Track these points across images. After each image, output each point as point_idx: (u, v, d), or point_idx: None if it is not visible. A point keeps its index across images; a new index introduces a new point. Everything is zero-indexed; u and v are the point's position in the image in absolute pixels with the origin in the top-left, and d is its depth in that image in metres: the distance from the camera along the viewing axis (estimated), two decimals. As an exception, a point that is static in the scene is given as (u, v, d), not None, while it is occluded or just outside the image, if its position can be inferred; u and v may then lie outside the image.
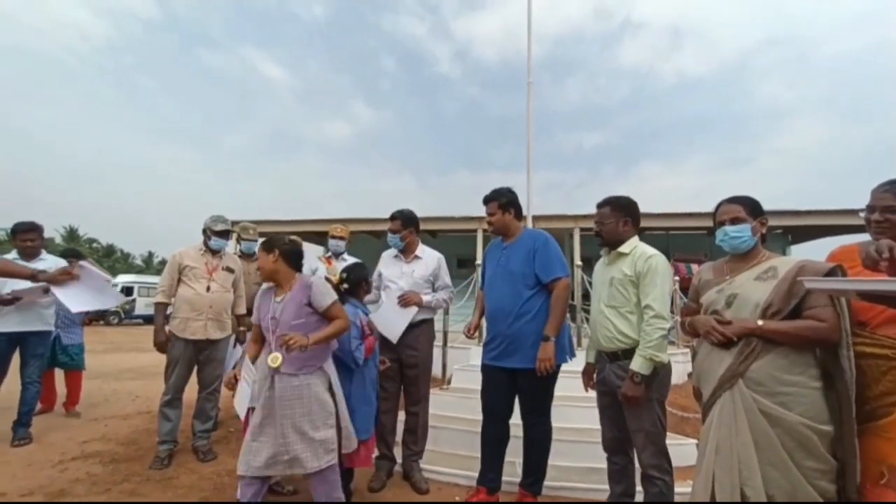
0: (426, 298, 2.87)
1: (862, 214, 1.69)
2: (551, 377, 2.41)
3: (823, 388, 1.50)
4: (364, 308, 2.61)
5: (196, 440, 3.26)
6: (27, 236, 3.45)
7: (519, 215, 2.63)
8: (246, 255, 4.07)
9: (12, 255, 3.48)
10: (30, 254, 3.46)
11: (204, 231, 3.37)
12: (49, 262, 3.51)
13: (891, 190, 1.56)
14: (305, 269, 2.67)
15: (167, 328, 3.23)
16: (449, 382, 4.32)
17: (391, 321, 2.81)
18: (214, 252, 3.37)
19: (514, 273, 2.46)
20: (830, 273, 1.51)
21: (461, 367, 4.37)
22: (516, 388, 2.48)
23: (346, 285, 2.53)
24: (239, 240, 4.13)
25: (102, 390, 5.30)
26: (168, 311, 3.27)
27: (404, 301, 2.79)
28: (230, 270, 3.42)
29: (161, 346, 3.19)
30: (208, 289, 3.24)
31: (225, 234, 3.38)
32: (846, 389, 1.47)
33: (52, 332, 3.65)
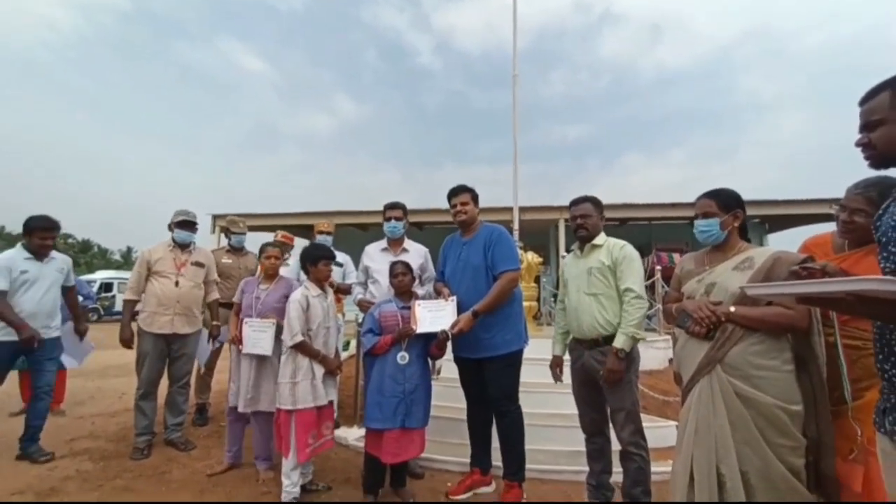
0: (419, 292, 2.91)
1: (834, 210, 1.77)
2: (515, 364, 2.55)
3: (796, 371, 1.60)
4: (397, 302, 2.63)
5: (169, 433, 3.29)
6: (47, 235, 3.09)
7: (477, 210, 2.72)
8: (236, 249, 4.04)
9: (17, 249, 3.10)
10: (43, 253, 3.12)
11: (169, 226, 3.38)
12: (59, 262, 3.24)
13: (863, 193, 1.63)
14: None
15: (137, 323, 3.24)
16: (438, 372, 4.37)
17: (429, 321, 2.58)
18: (183, 247, 3.37)
19: (477, 267, 2.56)
20: (803, 263, 1.59)
21: (449, 356, 4.42)
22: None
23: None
24: (228, 234, 4.10)
25: (87, 388, 5.22)
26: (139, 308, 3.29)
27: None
28: (200, 265, 3.42)
29: (125, 342, 3.23)
30: (177, 283, 3.26)
31: (187, 226, 3.37)
32: (819, 373, 1.57)
33: (60, 336, 3.29)
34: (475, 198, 2.67)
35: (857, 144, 1.15)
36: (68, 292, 3.34)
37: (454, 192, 2.68)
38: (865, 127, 1.13)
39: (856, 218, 1.63)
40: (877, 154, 1.12)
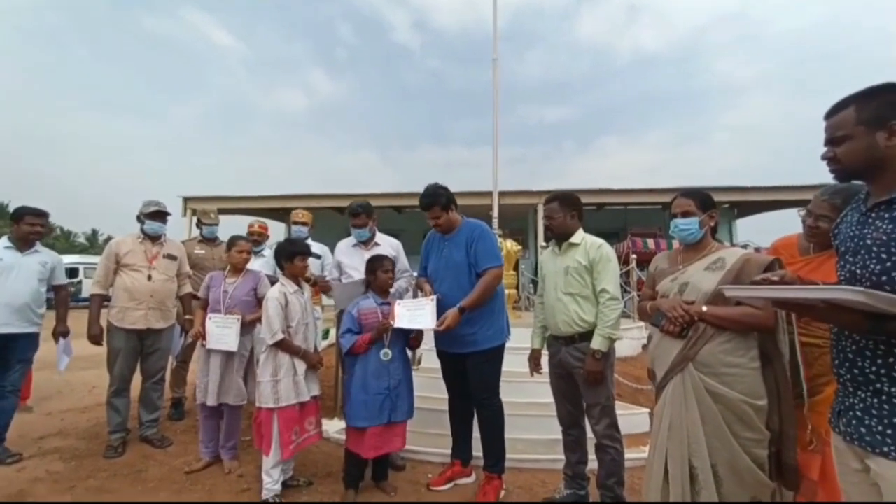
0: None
1: (800, 214, 1.85)
2: (497, 358, 2.59)
3: (761, 368, 1.68)
4: (375, 298, 2.61)
5: (144, 430, 3.23)
6: (36, 221, 3.07)
7: (456, 207, 2.67)
8: (208, 240, 3.93)
9: (3, 240, 3.07)
10: (29, 242, 3.07)
11: (138, 217, 3.26)
12: (43, 256, 3.16)
13: (828, 200, 1.70)
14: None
15: (107, 318, 3.14)
16: (419, 363, 4.40)
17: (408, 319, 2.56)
18: (154, 239, 3.27)
19: (459, 264, 2.57)
20: (769, 267, 1.65)
21: (431, 348, 4.45)
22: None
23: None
24: (199, 224, 3.97)
25: (55, 382, 5.03)
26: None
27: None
28: (172, 258, 3.33)
29: (94, 338, 3.11)
30: (149, 277, 3.17)
31: (159, 217, 3.27)
32: (783, 369, 1.66)
33: (40, 333, 3.17)
34: (446, 206, 2.57)
35: (823, 158, 1.19)
36: (59, 290, 3.28)
37: (424, 207, 2.61)
38: (831, 142, 1.16)
39: (820, 223, 1.71)
40: (841, 168, 1.16)
